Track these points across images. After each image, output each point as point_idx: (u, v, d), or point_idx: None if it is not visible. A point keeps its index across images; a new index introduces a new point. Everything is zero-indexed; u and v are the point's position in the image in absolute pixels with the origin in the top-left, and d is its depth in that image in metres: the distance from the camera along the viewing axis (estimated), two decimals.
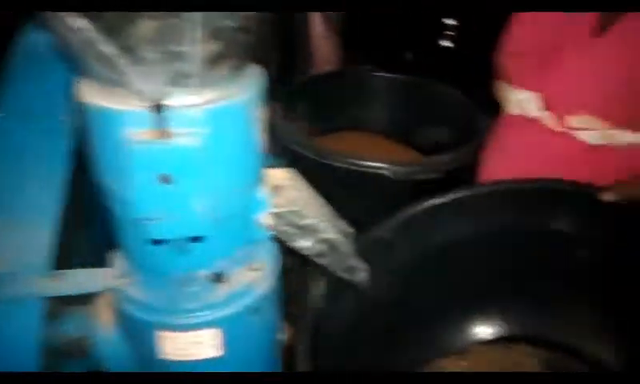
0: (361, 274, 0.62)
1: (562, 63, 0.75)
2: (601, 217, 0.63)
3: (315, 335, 0.61)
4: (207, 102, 0.44)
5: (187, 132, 0.44)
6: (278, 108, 1.03)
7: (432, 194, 0.76)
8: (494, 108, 0.89)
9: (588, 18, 0.72)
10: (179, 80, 0.42)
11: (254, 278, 0.55)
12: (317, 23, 1.43)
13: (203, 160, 0.45)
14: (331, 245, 0.58)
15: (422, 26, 1.51)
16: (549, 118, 0.77)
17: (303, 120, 1.11)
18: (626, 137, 0.72)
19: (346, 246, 0.61)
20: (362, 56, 1.51)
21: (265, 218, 0.54)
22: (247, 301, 0.53)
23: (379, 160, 0.90)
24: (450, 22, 1.57)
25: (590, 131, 0.74)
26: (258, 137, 0.51)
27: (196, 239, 0.49)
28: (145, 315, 0.51)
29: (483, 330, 0.76)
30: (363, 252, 0.69)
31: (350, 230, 0.64)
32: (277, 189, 0.57)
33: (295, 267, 0.70)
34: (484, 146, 0.92)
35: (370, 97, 1.32)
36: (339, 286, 0.64)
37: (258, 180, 0.53)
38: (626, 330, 0.64)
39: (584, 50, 0.73)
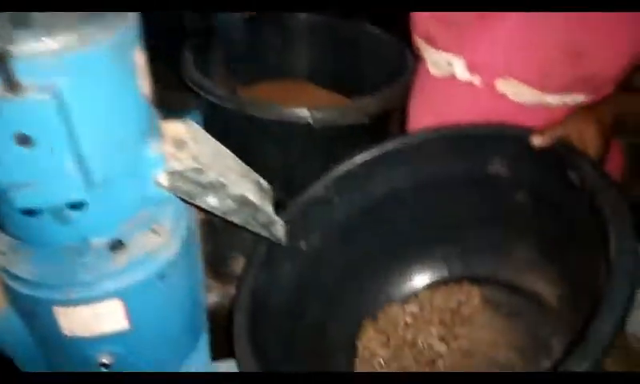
0: (279, 228, 0.57)
1: (487, 25, 0.69)
2: (536, 160, 0.61)
3: (255, 305, 0.59)
4: (63, 48, 0.39)
5: (40, 84, 0.39)
6: (190, 58, 0.95)
7: (360, 140, 0.72)
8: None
9: None
10: (23, 21, 0.36)
11: (158, 242, 0.51)
12: None
13: (65, 116, 0.40)
14: (242, 201, 0.53)
15: None
16: (475, 79, 0.73)
17: (219, 70, 1.03)
18: (560, 99, 0.68)
19: (260, 200, 0.56)
20: None
21: (161, 178, 0.48)
22: (150, 268, 0.50)
23: (299, 107, 0.83)
24: None
25: (523, 96, 0.70)
26: (139, 86, 0.45)
27: (75, 206, 0.43)
28: (36, 292, 0.47)
29: (427, 276, 0.75)
30: (302, 213, 0.68)
31: (264, 183, 0.59)
32: (175, 144, 0.51)
33: (222, 225, 0.65)
34: (411, 88, 0.88)
35: (292, 41, 1.23)
36: (278, 249, 0.62)
37: (147, 136, 0.47)
38: (560, 265, 0.63)
39: (514, 15, 0.67)
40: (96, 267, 0.47)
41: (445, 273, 0.73)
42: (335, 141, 0.86)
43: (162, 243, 0.50)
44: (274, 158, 0.91)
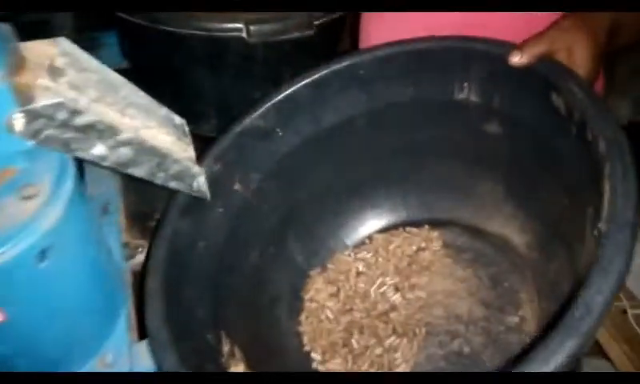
0: (199, 179, 0.44)
1: None
2: (513, 82, 0.50)
3: (174, 260, 0.48)
4: None
5: None
6: None
7: (306, 58, 0.61)
8: None
9: None
10: None
11: (31, 209, 0.37)
12: None
13: None
14: (142, 147, 0.39)
15: None
16: None
17: None
18: None
19: (171, 144, 0.42)
20: None
21: (16, 121, 0.34)
22: (23, 244, 0.37)
23: (230, 19, 0.66)
24: None
25: None
26: None
27: None
28: None
29: (383, 219, 0.66)
30: (237, 147, 0.56)
31: (178, 119, 0.45)
32: (47, 72, 0.36)
33: None
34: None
35: None
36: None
37: None
38: (532, 208, 0.55)
39: None
40: None
41: (403, 215, 0.65)
42: (277, 60, 0.71)
43: (36, 210, 0.37)
44: (203, 83, 0.74)
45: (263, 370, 0.48)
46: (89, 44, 0.82)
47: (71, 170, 0.41)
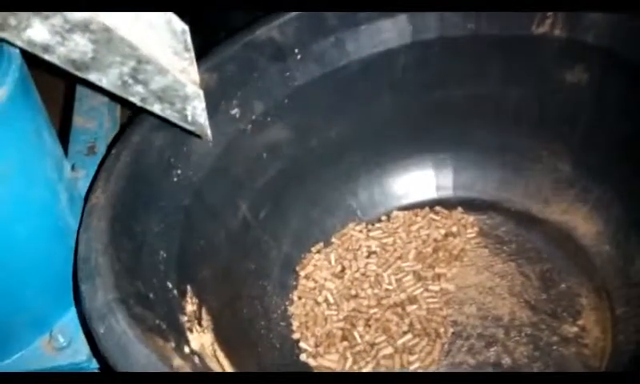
0: (193, 105, 0.33)
1: None
2: (617, 17, 0.39)
3: (136, 179, 0.36)
4: None
5: None
6: None
7: None
8: None
9: None
10: None
11: None
12: None
13: None
14: (106, 40, 0.28)
15: None
16: None
17: None
18: None
19: (159, 54, 0.31)
20: None
21: None
22: None
23: None
24: None
25: None
26: None
27: None
28: None
29: (409, 192, 0.54)
30: (241, 60, 0.44)
31: (179, 27, 0.34)
32: None
33: None
34: None
35: None
36: None
37: None
38: (606, 189, 0.44)
39: None
40: None
41: (432, 192, 0.54)
42: None
43: None
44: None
45: (235, 352, 0.37)
46: None
47: (14, 70, 0.30)
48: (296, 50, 0.46)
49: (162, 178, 0.38)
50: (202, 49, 0.42)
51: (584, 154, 0.45)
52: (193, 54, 0.36)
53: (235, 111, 0.44)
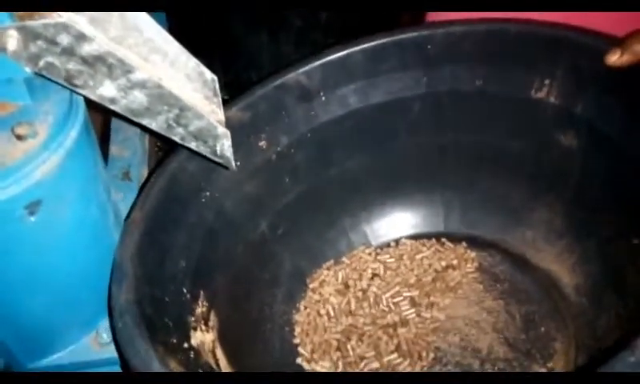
0: (222, 143, 0.40)
1: None
2: (606, 86, 0.43)
3: (170, 198, 0.44)
4: None
5: None
6: None
7: (367, 30, 0.53)
8: None
9: None
10: None
11: (23, 152, 0.35)
12: None
13: None
14: (157, 94, 0.36)
15: None
16: None
17: None
18: None
19: (195, 101, 0.39)
20: None
21: (10, 40, 0.31)
22: (11, 190, 0.34)
23: None
24: None
25: None
26: None
27: None
28: None
29: (418, 223, 0.59)
30: (272, 100, 0.51)
31: (210, 76, 0.41)
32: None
33: None
34: None
35: None
36: None
37: None
38: (594, 246, 0.47)
39: None
40: None
41: (439, 225, 0.59)
42: (344, 25, 0.65)
43: (30, 154, 0.35)
44: (261, 48, 0.72)
45: (237, 349, 0.44)
46: None
47: (81, 115, 0.39)
48: (321, 93, 0.53)
49: (192, 199, 0.46)
50: (234, 86, 0.49)
51: (574, 211, 0.49)
52: (220, 99, 0.45)
53: (263, 143, 0.52)
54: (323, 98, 0.53)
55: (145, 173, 0.58)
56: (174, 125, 0.41)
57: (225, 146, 0.44)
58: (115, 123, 0.59)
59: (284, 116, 0.52)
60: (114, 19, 0.39)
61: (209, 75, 0.44)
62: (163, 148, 0.42)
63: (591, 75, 0.43)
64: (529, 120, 0.49)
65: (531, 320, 0.48)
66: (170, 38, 0.42)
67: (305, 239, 0.57)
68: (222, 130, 0.44)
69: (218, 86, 0.45)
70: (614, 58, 0.40)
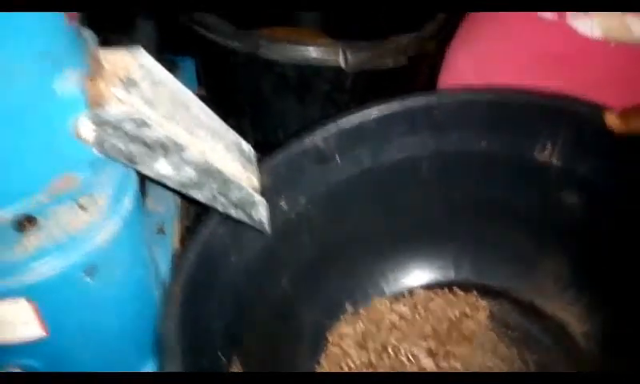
0: (260, 211, 0.42)
1: None
2: (606, 152, 0.48)
3: (202, 268, 0.45)
4: None
5: None
6: None
7: (389, 91, 0.57)
8: None
9: None
10: None
11: (86, 221, 0.39)
12: None
13: None
14: (206, 169, 0.38)
15: None
16: None
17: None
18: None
19: (236, 170, 0.41)
20: None
21: (83, 128, 0.32)
22: (73, 257, 0.37)
23: (328, 47, 0.67)
24: None
25: (593, 17, 0.53)
26: None
27: None
28: None
29: (429, 273, 0.63)
30: (291, 163, 0.54)
31: (247, 146, 0.43)
32: (121, 82, 0.35)
33: None
34: (445, 27, 0.73)
35: None
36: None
37: (60, 62, 0.30)
38: (600, 295, 0.52)
39: None
40: None
41: (451, 274, 0.63)
42: (364, 88, 0.71)
43: (91, 223, 0.38)
44: (290, 111, 0.75)
45: None
46: (165, 65, 0.82)
47: (133, 185, 0.41)
48: (336, 155, 0.56)
49: (222, 263, 0.48)
50: (263, 145, 0.51)
51: (579, 262, 0.54)
52: (256, 167, 0.48)
53: (283, 203, 0.54)
54: (339, 160, 0.56)
55: (177, 227, 0.61)
56: (218, 195, 0.43)
57: (261, 213, 0.46)
58: (149, 181, 0.63)
59: (303, 178, 0.55)
60: (165, 97, 0.40)
61: (245, 146, 0.47)
62: (193, 202, 0.44)
63: (591, 141, 0.48)
64: (533, 179, 0.54)
65: (544, 367, 0.52)
66: (212, 114, 0.44)
67: (323, 293, 0.59)
68: (258, 198, 0.46)
69: (253, 155, 0.48)
70: (617, 124, 0.44)
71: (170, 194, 0.61)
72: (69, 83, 0.33)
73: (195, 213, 0.64)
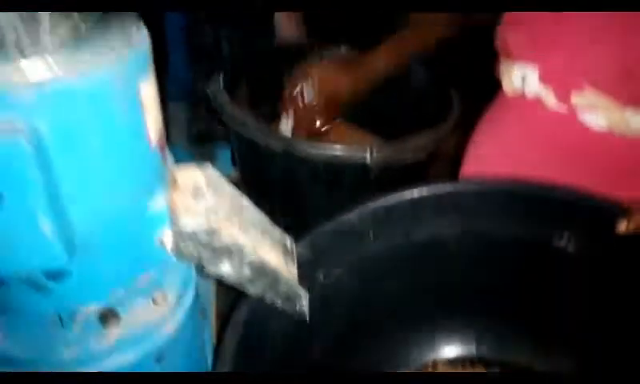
0: (302, 301, 0.47)
1: (562, 30, 0.63)
2: (617, 244, 0.53)
3: (247, 333, 0.49)
4: (46, 78, 0.30)
5: (13, 126, 0.29)
6: (224, 93, 0.86)
7: (412, 178, 0.66)
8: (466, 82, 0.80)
9: None
10: None
11: (158, 314, 0.44)
12: None
13: (44, 165, 0.33)
14: (260, 268, 0.44)
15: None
16: (549, 95, 0.65)
17: (246, 105, 0.95)
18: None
19: (282, 264, 0.46)
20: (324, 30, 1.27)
21: (166, 238, 0.38)
22: (147, 346, 0.42)
23: (355, 146, 0.77)
24: None
25: (599, 112, 0.62)
26: (144, 127, 0.34)
27: (54, 275, 0.33)
28: (6, 370, 0.39)
29: (453, 348, 0.67)
30: (330, 239, 0.59)
31: (289, 240, 0.49)
32: (191, 193, 0.41)
33: None
34: (458, 126, 0.83)
35: None
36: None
37: (151, 187, 0.37)
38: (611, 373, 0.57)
39: (589, 15, 0.60)
40: (80, 343, 0.40)
41: (473, 350, 0.67)
42: (387, 181, 0.79)
43: (162, 316, 0.44)
44: (320, 199, 0.84)
45: None
46: (204, 151, 0.91)
47: (193, 280, 0.45)
48: (370, 232, 0.61)
49: (263, 336, 0.51)
50: (294, 229, 0.56)
51: (594, 341, 0.58)
52: (295, 259, 0.53)
53: (320, 276, 0.59)
54: (371, 237, 0.61)
55: (214, 309, 0.65)
56: (268, 290, 0.48)
57: (303, 304, 0.52)
58: None
59: (338, 252, 0.59)
60: (225, 204, 0.47)
61: (289, 242, 0.53)
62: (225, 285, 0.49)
63: (603, 231, 0.53)
64: (551, 264, 0.59)
65: None
66: (262, 215, 0.51)
67: (350, 363, 0.62)
68: (302, 291, 0.51)
69: (294, 248, 0.53)
70: (622, 227, 0.51)
71: (209, 280, 0.65)
72: (157, 203, 0.39)
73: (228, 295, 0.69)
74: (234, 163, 0.96)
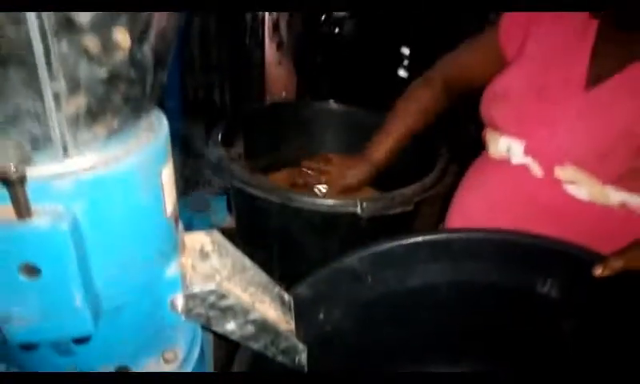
0: (300, 355, 0.50)
1: (548, 111, 0.69)
2: (595, 288, 0.58)
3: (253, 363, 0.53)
4: (79, 171, 0.34)
5: (53, 210, 0.34)
6: (221, 149, 0.91)
7: (398, 229, 0.71)
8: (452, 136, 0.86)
9: (578, 70, 0.68)
10: (38, 144, 0.33)
11: (167, 370, 0.44)
12: (270, 49, 1.30)
13: (79, 245, 0.36)
14: (262, 325, 0.47)
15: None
16: (534, 165, 0.72)
17: (240, 156, 0.99)
18: (618, 196, 0.66)
19: (281, 318, 0.50)
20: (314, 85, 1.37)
21: (178, 301, 0.42)
22: None
23: (347, 199, 0.84)
24: (405, 51, 1.47)
25: (579, 186, 0.68)
26: (163, 206, 0.39)
27: (79, 339, 0.37)
28: None
29: None
30: (330, 280, 0.63)
31: (286, 296, 0.53)
32: (199, 256, 0.45)
33: None
34: (441, 179, 0.89)
35: (311, 129, 1.22)
36: None
37: (166, 257, 0.41)
38: None
39: (573, 98, 0.68)
40: None
41: None
42: (376, 230, 0.85)
43: (172, 371, 0.45)
44: (313, 248, 0.90)
45: None
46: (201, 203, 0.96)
47: (199, 337, 0.48)
48: (369, 276, 0.65)
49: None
50: (289, 277, 0.60)
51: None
52: (293, 314, 0.56)
53: (321, 316, 0.62)
54: (370, 280, 0.65)
55: (211, 353, 0.67)
56: (269, 346, 0.51)
57: (302, 358, 0.55)
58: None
59: (338, 294, 0.63)
60: (229, 265, 0.51)
61: (286, 297, 0.56)
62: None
63: (583, 277, 0.57)
64: (535, 309, 0.63)
65: None
66: (262, 273, 0.54)
67: None
68: (301, 346, 0.54)
69: (292, 304, 0.57)
70: (598, 272, 0.55)
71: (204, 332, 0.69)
72: (173, 270, 0.42)
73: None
74: (229, 210, 1.01)
